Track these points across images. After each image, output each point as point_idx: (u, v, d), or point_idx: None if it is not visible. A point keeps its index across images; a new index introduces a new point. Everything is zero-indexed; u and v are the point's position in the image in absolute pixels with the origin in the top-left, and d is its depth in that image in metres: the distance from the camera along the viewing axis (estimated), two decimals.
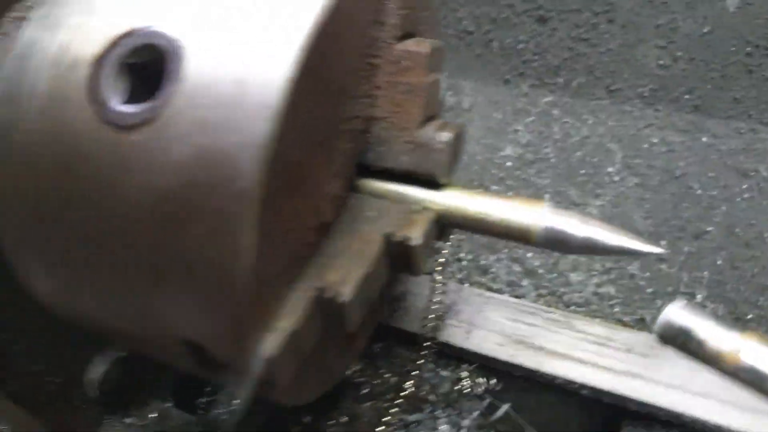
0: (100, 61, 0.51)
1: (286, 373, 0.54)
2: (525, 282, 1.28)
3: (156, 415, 0.93)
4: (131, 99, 0.52)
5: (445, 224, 0.63)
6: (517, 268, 1.28)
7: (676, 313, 0.52)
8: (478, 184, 1.30)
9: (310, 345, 0.57)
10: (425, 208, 0.61)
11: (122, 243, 0.51)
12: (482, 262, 1.30)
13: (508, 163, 1.26)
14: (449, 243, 1.32)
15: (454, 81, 1.26)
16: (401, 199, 0.62)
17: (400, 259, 0.60)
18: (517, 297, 1.27)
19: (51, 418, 0.83)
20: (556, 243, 0.59)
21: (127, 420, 0.93)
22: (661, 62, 1.08)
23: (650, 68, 1.10)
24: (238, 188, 0.45)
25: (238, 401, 0.98)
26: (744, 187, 1.13)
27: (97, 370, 0.87)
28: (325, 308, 0.56)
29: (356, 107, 0.58)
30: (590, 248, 0.58)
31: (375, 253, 0.57)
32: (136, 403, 0.94)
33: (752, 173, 1.11)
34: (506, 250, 1.28)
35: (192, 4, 0.51)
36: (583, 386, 0.94)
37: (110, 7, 0.54)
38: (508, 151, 1.25)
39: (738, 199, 1.14)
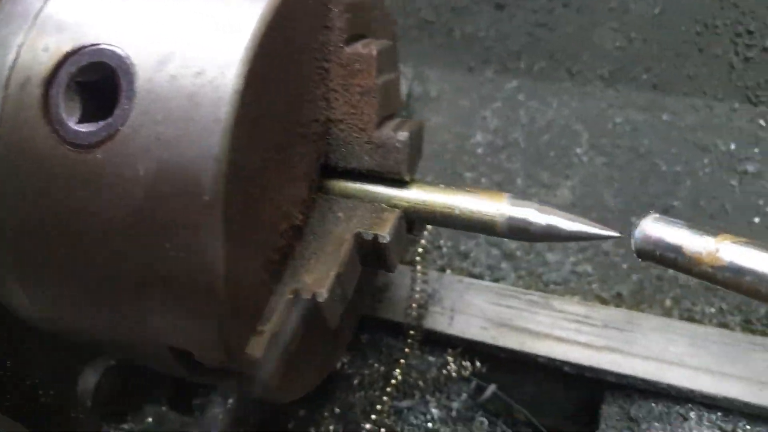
0: (50, 80, 0.52)
1: (274, 372, 0.57)
2: (504, 265, 1.31)
3: (152, 419, 0.95)
4: (84, 117, 0.53)
5: (413, 219, 0.66)
6: (495, 251, 1.31)
7: (651, 226, 0.55)
8: (452, 172, 1.32)
9: (295, 344, 0.59)
10: (393, 206, 0.64)
11: (99, 258, 0.52)
12: (462, 248, 1.33)
13: (479, 150, 1.28)
14: (426, 233, 1.35)
15: (419, 70, 1.28)
16: (369, 198, 0.65)
17: (372, 256, 0.63)
18: (497, 280, 1.30)
19: (47, 429, 0.84)
20: (518, 232, 0.61)
21: (125, 426, 0.94)
22: (618, 44, 1.11)
23: (607, 50, 1.13)
24: (201, 201, 0.46)
25: (233, 401, 1.00)
26: (705, 161, 1.16)
27: (89, 380, 0.88)
28: (305, 308, 0.58)
29: (312, 111, 0.60)
30: (551, 235, 0.61)
31: (347, 252, 0.59)
32: (131, 410, 0.96)
33: (711, 147, 1.15)
34: (484, 236, 1.31)
35: (138, 19, 0.52)
36: (564, 363, 0.98)
37: (55, 24, 0.54)
38: (478, 137, 1.27)
39: (700, 174, 1.18)
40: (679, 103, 1.16)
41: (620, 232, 0.61)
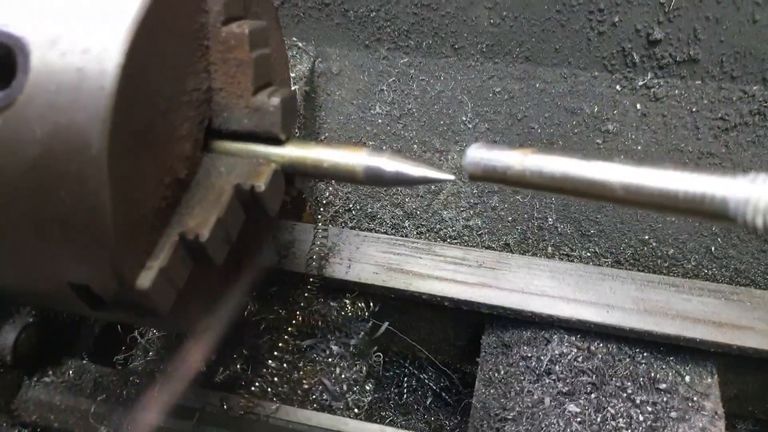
0: None
1: (164, 303, 0.68)
2: (407, 223, 1.45)
3: (72, 372, 1.04)
4: None
5: (289, 173, 0.78)
6: (398, 212, 1.45)
7: (475, 150, 0.67)
8: (356, 141, 1.44)
9: (183, 279, 0.70)
10: (269, 161, 0.75)
11: (0, 210, 0.62)
12: (369, 210, 1.46)
13: (379, 120, 1.41)
14: (337, 199, 1.48)
15: (321, 49, 1.39)
16: (249, 155, 0.76)
17: (252, 204, 0.74)
18: (402, 236, 1.44)
19: None
20: (374, 178, 0.74)
21: (46, 379, 1.03)
22: (492, 21, 1.25)
23: (484, 27, 1.26)
24: (89, 155, 0.57)
25: (153, 353, 1.10)
26: (574, 123, 1.33)
27: (8, 337, 0.97)
28: (190, 248, 0.70)
29: (194, 81, 0.70)
30: (401, 180, 0.74)
31: (227, 200, 0.71)
32: (52, 364, 1.05)
33: (578, 111, 1.31)
34: (387, 198, 1.44)
35: (32, 2, 0.61)
36: (444, 298, 1.12)
37: None
38: (378, 109, 1.40)
39: (570, 134, 1.34)
40: (549, 73, 1.31)
41: (452, 174, 0.75)
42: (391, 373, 1.52)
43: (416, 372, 1.52)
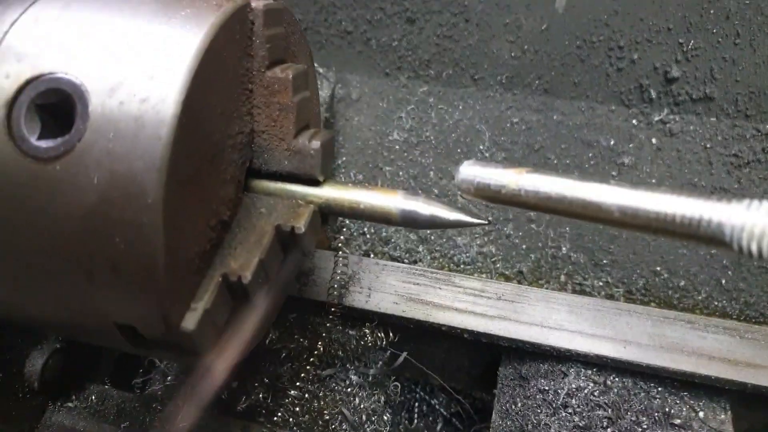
0: (12, 103, 0.61)
1: (206, 343, 0.69)
2: (420, 248, 1.46)
3: (95, 397, 1.04)
4: (44, 134, 0.62)
5: (326, 213, 0.79)
6: (413, 236, 1.46)
7: (467, 169, 0.65)
8: (373, 166, 1.46)
9: (224, 318, 0.71)
10: (308, 202, 0.76)
11: (55, 253, 0.62)
12: (383, 234, 1.47)
13: (396, 146, 1.42)
14: (352, 223, 1.49)
15: (342, 75, 1.40)
16: (288, 196, 0.77)
17: (291, 244, 0.75)
18: (414, 262, 1.45)
19: None
20: (410, 221, 0.75)
21: (70, 404, 1.03)
22: (513, 54, 1.27)
23: (504, 59, 1.28)
24: (145, 203, 0.58)
25: (172, 377, 1.10)
26: (590, 155, 1.34)
27: (36, 363, 0.97)
28: (232, 288, 0.71)
29: (239, 125, 0.72)
30: (435, 223, 0.75)
31: (268, 241, 0.72)
32: (75, 389, 1.05)
33: (594, 143, 1.33)
34: None
35: (90, 49, 0.62)
36: (464, 330, 1.13)
37: (15, 54, 0.63)
38: (395, 135, 1.41)
39: (586, 166, 1.36)
40: (567, 105, 1.33)
41: (488, 219, 0.76)
42: (402, 398, 1.53)
43: (427, 397, 1.53)
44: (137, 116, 0.59)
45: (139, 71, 0.60)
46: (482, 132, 1.37)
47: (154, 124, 0.58)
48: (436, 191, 1.44)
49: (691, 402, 1.09)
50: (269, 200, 0.76)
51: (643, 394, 1.11)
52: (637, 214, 0.58)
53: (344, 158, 1.47)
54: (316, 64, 1.42)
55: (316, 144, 0.74)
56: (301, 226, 0.73)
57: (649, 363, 1.07)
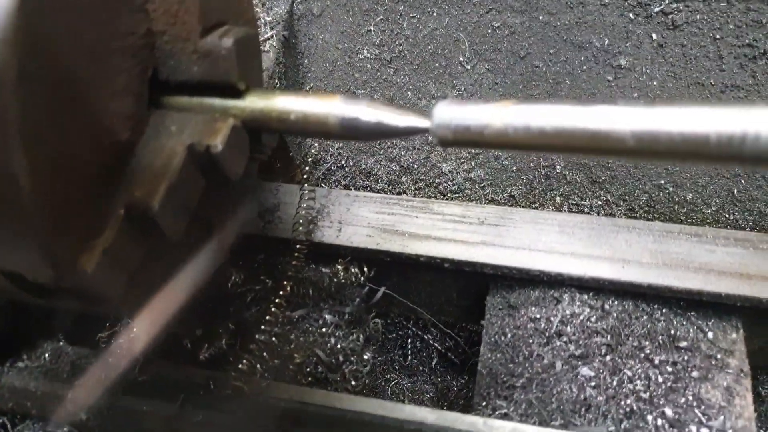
0: None
1: (113, 287, 0.59)
2: (404, 178, 1.35)
3: (48, 355, 0.97)
4: None
5: (253, 128, 0.67)
6: (394, 166, 1.34)
7: (443, 111, 0.55)
8: (344, 90, 1.33)
9: (135, 258, 0.61)
10: (227, 116, 0.65)
11: None
12: (363, 166, 1.36)
13: (368, 66, 1.29)
14: (330, 153, 1.37)
15: None
16: (203, 110, 0.65)
17: (211, 167, 0.64)
18: (399, 194, 1.34)
19: None
20: (351, 131, 0.63)
21: (20, 364, 0.97)
22: None
23: None
24: None
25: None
26: (582, 58, 1.20)
27: None
28: (140, 222, 0.60)
29: (128, 23, 0.59)
30: (383, 131, 0.63)
31: (179, 164, 0.61)
32: (26, 348, 0.98)
33: (586, 45, 1.18)
34: (382, 152, 1.33)
35: None
36: (444, 260, 1.03)
37: None
38: (365, 53, 1.28)
39: (578, 71, 1.21)
40: (553, 3, 1.18)
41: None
42: (394, 335, 1.45)
43: (420, 333, 1.45)
44: None
45: None
46: (461, 41, 1.23)
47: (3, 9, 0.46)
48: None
49: (699, 322, 0.99)
50: (181, 116, 0.64)
51: (645, 317, 1.00)
52: (659, 139, 0.47)
53: (312, 84, 1.34)
54: None
55: (227, 42, 0.62)
56: (217, 143, 0.61)
57: (651, 283, 0.96)
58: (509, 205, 1.30)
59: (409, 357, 1.45)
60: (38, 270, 0.54)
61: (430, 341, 1.44)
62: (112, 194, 0.60)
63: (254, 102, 0.66)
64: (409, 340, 1.45)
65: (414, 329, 1.45)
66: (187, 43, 0.62)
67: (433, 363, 1.44)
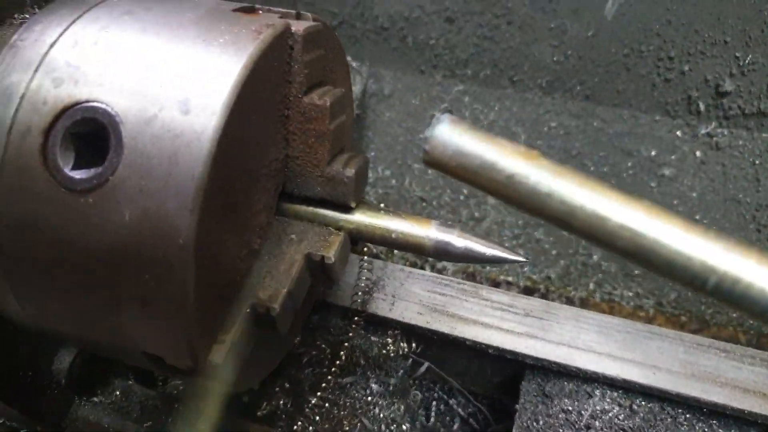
0: (48, 131, 0.59)
1: (230, 375, 0.68)
2: None
3: (119, 393, 1.05)
4: (77, 163, 0.60)
5: (356, 239, 0.76)
6: None
7: (444, 130, 0.47)
8: (401, 163, 1.42)
9: (249, 349, 0.70)
10: (339, 228, 0.74)
11: (84, 284, 0.61)
12: None
13: None
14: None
15: (375, 70, 1.35)
16: (319, 220, 0.74)
17: (319, 272, 0.73)
18: (439, 271, 1.42)
19: (26, 405, 0.94)
20: (443, 253, 0.73)
21: (95, 400, 1.04)
22: (555, 58, 1.21)
23: (546, 63, 1.22)
24: (177, 243, 0.56)
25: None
26: (629, 164, 1.29)
27: (63, 360, 0.97)
28: (260, 320, 0.69)
29: (274, 152, 0.69)
30: (469, 257, 0.72)
31: (297, 271, 0.70)
32: (101, 385, 1.05)
33: (635, 153, 1.28)
34: None
35: (127, 80, 0.59)
36: (489, 346, 1.11)
37: (53, 80, 0.61)
38: (426, 133, 1.37)
39: (624, 175, 1.31)
40: (608, 112, 1.27)
41: (526, 257, 0.73)
42: (421, 395, 1.52)
43: (445, 396, 1.52)
44: (171, 153, 0.56)
45: (174, 104, 0.58)
46: (518, 134, 1.32)
47: (188, 163, 0.56)
48: (465, 191, 1.40)
49: (720, 431, 1.06)
50: (300, 225, 0.73)
51: (669, 419, 1.08)
52: (648, 249, 0.43)
53: (373, 153, 1.43)
54: (349, 58, 1.38)
55: (350, 172, 0.71)
56: (331, 256, 0.70)
57: (679, 392, 1.04)
58: (545, 286, 1.38)
59: (432, 418, 1.51)
60: (179, 358, 0.63)
61: (454, 406, 1.50)
62: (239, 293, 0.68)
63: (362, 218, 0.75)
64: (434, 402, 1.52)
65: (440, 392, 1.51)
66: (316, 168, 0.71)
67: (455, 427, 1.50)
